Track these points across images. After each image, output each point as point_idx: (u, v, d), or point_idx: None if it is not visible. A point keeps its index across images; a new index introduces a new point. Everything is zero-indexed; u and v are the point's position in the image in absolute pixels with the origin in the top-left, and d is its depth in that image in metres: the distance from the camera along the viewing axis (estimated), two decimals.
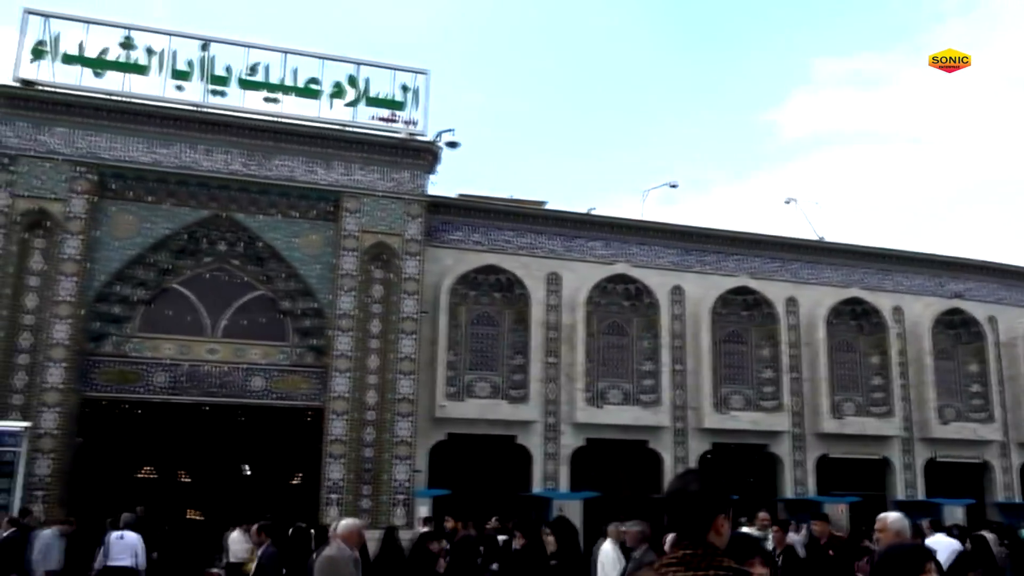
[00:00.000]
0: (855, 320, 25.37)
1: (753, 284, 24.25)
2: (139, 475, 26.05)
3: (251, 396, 20.11)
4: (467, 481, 21.00)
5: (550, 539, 8.78)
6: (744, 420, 23.34)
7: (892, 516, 6.10)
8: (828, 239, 26.01)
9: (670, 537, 9.78)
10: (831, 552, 9.36)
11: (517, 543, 8.97)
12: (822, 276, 25.22)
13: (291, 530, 16.22)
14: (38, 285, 18.41)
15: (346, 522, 7.88)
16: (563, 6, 67.38)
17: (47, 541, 14.35)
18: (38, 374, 17.96)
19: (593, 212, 24.38)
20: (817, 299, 24.76)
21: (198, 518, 25.55)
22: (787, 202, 27.85)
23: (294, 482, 26.09)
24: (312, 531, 17.11)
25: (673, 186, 27.78)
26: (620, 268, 23.21)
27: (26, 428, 17.13)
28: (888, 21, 68.36)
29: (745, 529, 15.21)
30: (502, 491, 21.35)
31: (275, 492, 25.16)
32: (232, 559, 16.57)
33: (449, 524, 16.07)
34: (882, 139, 68.81)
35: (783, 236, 25.30)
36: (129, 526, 15.10)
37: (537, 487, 21.35)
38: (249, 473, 27.62)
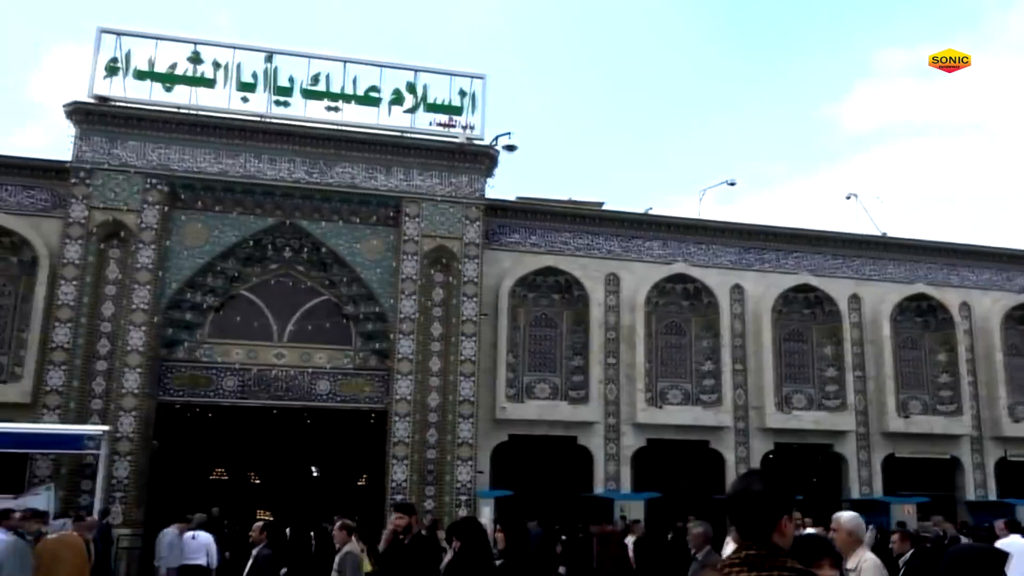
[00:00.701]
0: (921, 317, 24.89)
1: (815, 281, 23.96)
2: (212, 477, 26.84)
3: (317, 399, 20.60)
4: (529, 482, 21.17)
5: (499, 535, 8.64)
6: (807, 420, 23.08)
7: (845, 516, 6.08)
8: (892, 234, 25.53)
9: (731, 539, 9.76)
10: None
11: (454, 546, 8.94)
12: (886, 272, 24.80)
13: (288, 531, 16.14)
14: (114, 294, 19.12)
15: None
16: (619, 6, 67.15)
17: (171, 540, 14.87)
18: (116, 379, 18.66)
19: (651, 212, 24.35)
20: (881, 296, 24.35)
21: (268, 519, 26.21)
22: (848, 198, 27.36)
23: (360, 483, 26.56)
24: (312, 532, 17.28)
25: (731, 184, 27.59)
26: (678, 268, 23.17)
27: (105, 432, 17.79)
28: (952, 9, 66.65)
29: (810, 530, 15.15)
30: (564, 492, 21.50)
31: (342, 493, 25.63)
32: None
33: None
34: (947, 131, 67.15)
35: (845, 232, 24.94)
36: (202, 526, 15.65)
37: (599, 488, 21.43)
38: (317, 474, 28.22)
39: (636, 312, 22.49)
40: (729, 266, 23.71)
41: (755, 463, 22.28)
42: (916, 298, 24.62)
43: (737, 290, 23.55)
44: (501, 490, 20.45)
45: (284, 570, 11.54)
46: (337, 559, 9.06)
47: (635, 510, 20.12)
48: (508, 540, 7.36)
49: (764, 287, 23.64)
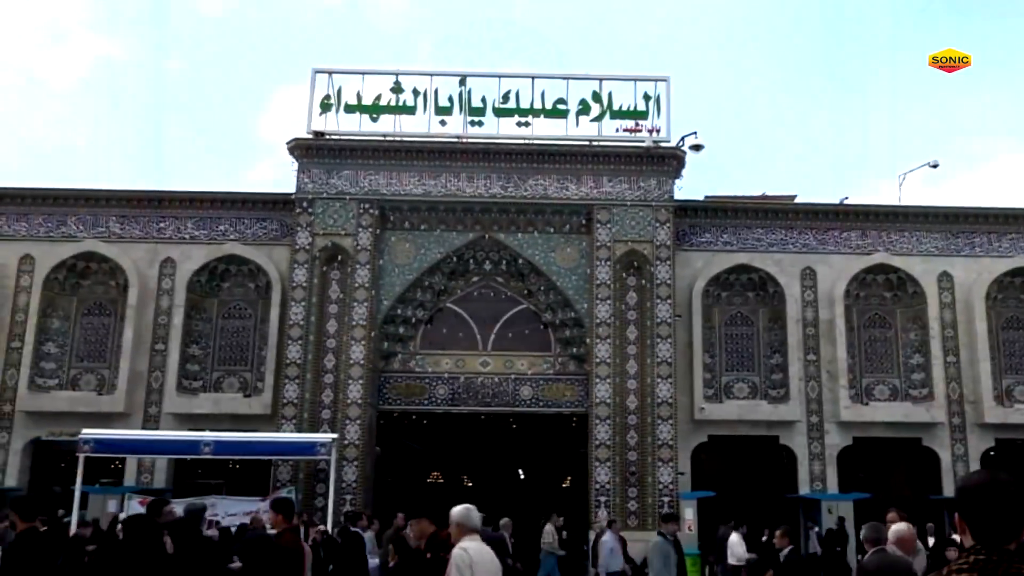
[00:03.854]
0: None
1: None
2: (428, 480, 28.60)
3: (521, 404, 21.57)
4: (731, 483, 21.21)
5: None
6: None
7: (455, 509, 6.21)
8: None
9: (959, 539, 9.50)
10: (429, 555, 8.30)
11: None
12: None
13: (338, 531, 15.68)
14: (336, 312, 20.86)
15: (898, 527, 7.51)
16: None
17: (612, 545, 15.15)
18: (341, 391, 20.37)
19: (846, 202, 23.56)
20: None
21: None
22: None
23: (564, 485, 27.46)
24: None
25: (934, 166, 26.10)
26: (879, 258, 22.34)
27: (334, 439, 19.37)
28: None
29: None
30: (768, 493, 21.39)
31: (548, 495, 26.58)
32: (734, 561, 17.26)
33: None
34: None
35: None
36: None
37: (804, 488, 21.12)
38: (523, 477, 29.42)
39: (835, 306, 21.91)
40: (935, 253, 22.59)
41: (974, 461, 21.23)
42: None
43: (945, 278, 22.40)
44: (703, 491, 20.62)
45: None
46: None
47: (844, 511, 19.78)
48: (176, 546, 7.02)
49: (976, 273, 22.36)
